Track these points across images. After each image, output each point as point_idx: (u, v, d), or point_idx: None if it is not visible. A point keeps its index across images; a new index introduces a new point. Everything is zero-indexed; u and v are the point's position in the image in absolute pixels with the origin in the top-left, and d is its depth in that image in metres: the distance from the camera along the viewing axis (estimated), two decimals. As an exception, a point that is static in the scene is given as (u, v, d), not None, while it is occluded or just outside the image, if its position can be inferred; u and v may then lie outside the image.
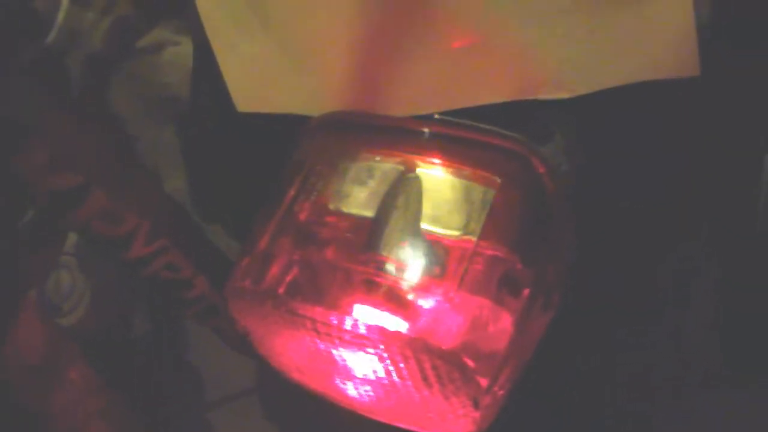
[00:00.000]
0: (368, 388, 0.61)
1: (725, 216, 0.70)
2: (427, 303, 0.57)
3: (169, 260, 0.71)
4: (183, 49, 0.89)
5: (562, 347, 0.65)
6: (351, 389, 0.62)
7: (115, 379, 0.90)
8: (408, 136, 0.62)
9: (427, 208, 0.60)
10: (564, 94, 0.59)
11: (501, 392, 0.59)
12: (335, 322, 0.57)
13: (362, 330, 0.56)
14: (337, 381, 0.62)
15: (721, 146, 0.67)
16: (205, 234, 0.80)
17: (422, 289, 0.57)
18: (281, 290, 0.59)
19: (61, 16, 0.87)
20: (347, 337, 0.57)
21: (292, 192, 0.62)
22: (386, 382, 0.59)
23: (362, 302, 0.58)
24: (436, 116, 0.62)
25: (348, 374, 0.61)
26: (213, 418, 1.05)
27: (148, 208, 0.70)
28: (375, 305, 0.58)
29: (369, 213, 0.60)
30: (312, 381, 0.65)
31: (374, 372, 0.59)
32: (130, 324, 0.96)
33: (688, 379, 0.74)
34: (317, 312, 0.57)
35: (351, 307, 0.58)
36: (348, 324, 0.57)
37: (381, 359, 0.57)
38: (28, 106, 0.66)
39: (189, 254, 0.72)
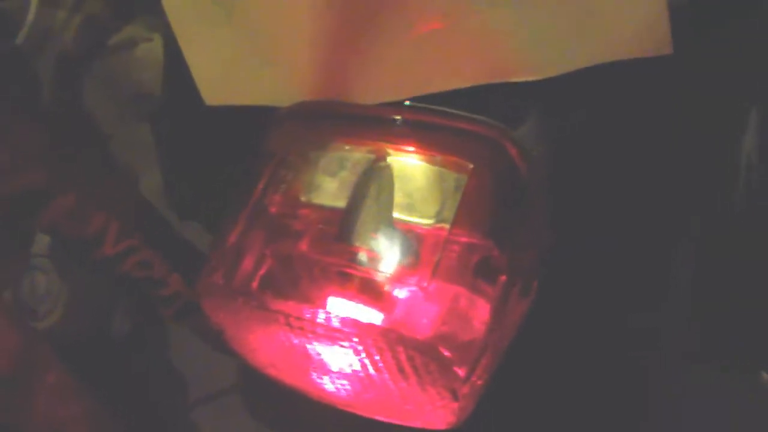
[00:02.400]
0: (345, 382, 0.60)
1: (704, 198, 0.69)
2: (401, 293, 0.56)
3: (140, 259, 0.69)
4: (155, 46, 0.88)
5: (541, 334, 0.64)
6: (328, 384, 0.61)
7: (96, 382, 0.89)
8: (378, 124, 0.61)
9: (399, 197, 0.59)
10: (534, 76, 0.57)
11: (479, 382, 0.58)
12: (308, 315, 0.56)
13: (336, 323, 0.55)
14: (314, 376, 0.61)
15: (698, 128, 0.66)
16: (179, 232, 0.79)
17: (396, 279, 0.56)
18: (253, 285, 0.58)
19: (30, 15, 0.86)
20: (320, 330, 0.56)
21: (261, 184, 0.61)
22: (362, 375, 0.58)
23: (336, 295, 0.57)
24: (406, 103, 0.61)
25: (324, 369, 0.60)
26: (196, 417, 1.03)
27: (116, 207, 0.68)
28: (349, 297, 0.57)
29: (340, 203, 0.59)
30: (288, 377, 0.64)
31: (350, 365, 0.58)
32: (109, 325, 0.95)
33: (667, 362, 0.74)
34: (290, 306, 0.56)
35: (325, 300, 0.57)
36: (321, 317, 0.55)
37: (356, 352, 0.56)
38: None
39: (162, 252, 0.71)
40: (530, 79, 0.58)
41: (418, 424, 0.61)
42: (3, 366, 0.77)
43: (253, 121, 0.67)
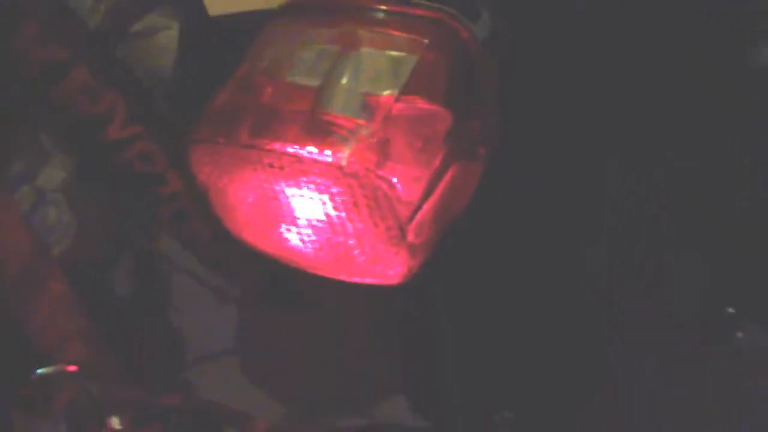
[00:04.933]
0: (309, 232, 0.67)
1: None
2: (359, 138, 0.64)
3: (142, 148, 0.77)
4: (174, 34, 0.97)
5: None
6: (294, 238, 0.68)
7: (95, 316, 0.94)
8: (348, 12, 0.70)
9: (364, 72, 0.67)
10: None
11: (428, 232, 0.65)
12: (278, 148, 0.63)
13: (302, 156, 0.63)
14: (282, 230, 0.68)
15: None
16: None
17: (355, 127, 0.64)
18: (234, 131, 0.66)
19: None
20: (287, 163, 0.63)
21: (248, 60, 0.70)
22: (324, 217, 0.65)
23: (305, 137, 0.65)
24: None
25: (291, 218, 0.67)
26: (192, 377, 1.07)
27: (126, 89, 0.76)
28: (316, 142, 0.64)
29: (314, 77, 0.68)
30: (260, 238, 0.71)
31: (313, 207, 0.65)
32: (116, 261, 1.01)
33: (666, 346, 0.78)
34: (263, 143, 0.64)
35: (295, 141, 0.65)
36: (290, 150, 0.63)
37: (317, 187, 0.63)
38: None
39: (163, 148, 0.78)
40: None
41: (375, 279, 0.68)
42: (13, 265, 0.83)
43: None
